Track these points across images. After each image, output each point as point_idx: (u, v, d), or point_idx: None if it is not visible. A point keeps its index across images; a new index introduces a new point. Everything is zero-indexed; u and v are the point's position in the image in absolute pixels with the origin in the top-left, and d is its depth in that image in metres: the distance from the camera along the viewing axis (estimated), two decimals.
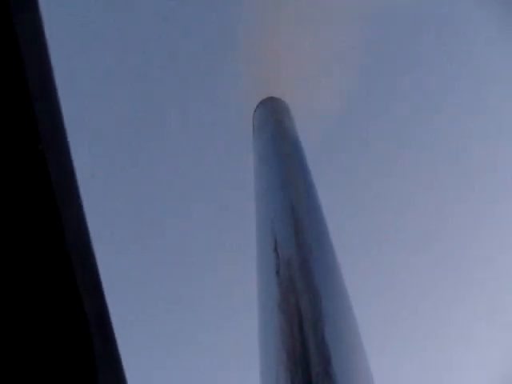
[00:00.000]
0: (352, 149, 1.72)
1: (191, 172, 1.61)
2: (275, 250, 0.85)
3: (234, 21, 1.49)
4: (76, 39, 1.40)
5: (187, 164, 1.62)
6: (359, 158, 1.71)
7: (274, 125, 1.28)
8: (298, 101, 1.49)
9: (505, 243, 1.71)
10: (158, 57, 1.53)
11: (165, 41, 1.52)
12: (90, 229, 0.43)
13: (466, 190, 1.74)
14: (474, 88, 1.68)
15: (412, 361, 1.81)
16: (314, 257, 0.84)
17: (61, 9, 1.32)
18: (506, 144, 1.69)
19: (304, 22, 1.56)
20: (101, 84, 1.49)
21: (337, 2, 1.53)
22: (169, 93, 1.53)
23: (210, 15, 1.52)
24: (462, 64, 1.68)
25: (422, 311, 1.80)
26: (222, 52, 1.52)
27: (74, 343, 0.37)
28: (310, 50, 1.58)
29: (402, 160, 1.73)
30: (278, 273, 0.80)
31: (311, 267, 0.81)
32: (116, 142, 1.57)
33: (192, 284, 1.65)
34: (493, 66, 1.62)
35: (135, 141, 1.58)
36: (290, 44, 1.55)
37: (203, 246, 1.62)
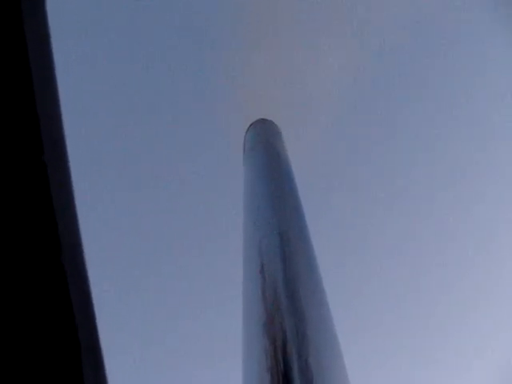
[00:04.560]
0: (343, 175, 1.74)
1: (181, 188, 1.62)
2: (262, 272, 0.85)
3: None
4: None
5: (177, 180, 1.62)
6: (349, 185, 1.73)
7: (265, 147, 1.29)
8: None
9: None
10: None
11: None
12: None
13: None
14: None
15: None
16: (299, 279, 0.85)
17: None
18: None
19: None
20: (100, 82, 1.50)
21: None
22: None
23: None
24: None
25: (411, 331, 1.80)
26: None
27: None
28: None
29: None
30: (263, 294, 0.81)
31: (297, 289, 0.82)
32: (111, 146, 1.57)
33: (177, 304, 1.65)
34: None
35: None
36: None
37: (189, 267, 1.62)
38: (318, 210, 1.65)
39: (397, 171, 1.78)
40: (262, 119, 1.47)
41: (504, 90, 1.64)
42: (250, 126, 1.45)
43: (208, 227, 1.62)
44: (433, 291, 1.83)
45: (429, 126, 1.73)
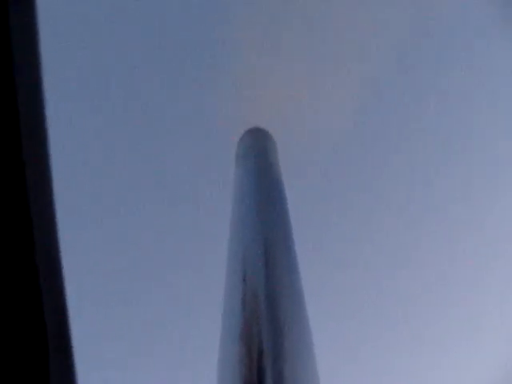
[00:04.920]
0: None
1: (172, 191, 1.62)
2: (244, 280, 0.86)
3: None
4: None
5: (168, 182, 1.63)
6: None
7: (257, 157, 1.31)
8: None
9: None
10: None
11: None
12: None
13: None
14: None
15: None
16: (281, 290, 0.86)
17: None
18: None
19: None
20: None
21: None
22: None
23: None
24: None
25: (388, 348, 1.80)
26: None
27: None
28: None
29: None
30: (243, 302, 0.81)
31: (277, 300, 0.83)
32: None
33: (159, 305, 1.65)
34: None
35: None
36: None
37: (174, 271, 1.63)
38: (308, 221, 1.66)
39: (399, 182, 1.78)
40: (257, 128, 1.48)
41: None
42: (244, 134, 1.46)
43: (194, 232, 1.62)
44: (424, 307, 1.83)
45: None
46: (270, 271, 0.88)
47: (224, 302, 0.88)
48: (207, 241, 1.57)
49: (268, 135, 1.49)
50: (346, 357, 1.70)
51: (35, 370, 0.35)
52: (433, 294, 1.77)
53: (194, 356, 1.58)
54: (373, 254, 1.77)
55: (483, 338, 1.73)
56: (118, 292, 1.63)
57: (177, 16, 1.49)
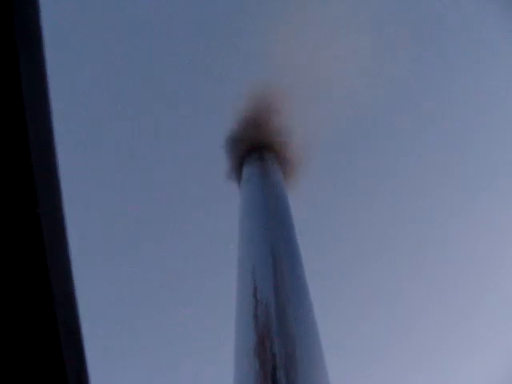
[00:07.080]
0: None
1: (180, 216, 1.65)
2: (254, 295, 0.89)
3: None
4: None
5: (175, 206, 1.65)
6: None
7: (262, 177, 1.33)
8: None
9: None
10: None
11: None
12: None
13: None
14: None
15: None
16: (290, 303, 0.88)
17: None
18: None
19: None
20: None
21: None
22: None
23: None
24: None
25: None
26: None
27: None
28: None
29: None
30: (255, 316, 0.84)
31: (287, 313, 0.85)
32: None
33: (175, 323, 1.66)
34: None
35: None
36: None
37: (187, 289, 1.64)
38: (313, 238, 1.68)
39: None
40: (260, 149, 1.51)
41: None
42: (248, 155, 1.49)
43: (204, 253, 1.65)
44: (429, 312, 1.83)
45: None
46: (279, 285, 0.90)
47: (236, 317, 0.91)
48: (217, 258, 1.59)
49: (271, 155, 1.52)
50: (358, 367, 1.70)
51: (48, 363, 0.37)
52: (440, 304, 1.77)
53: (210, 370, 1.59)
54: (379, 264, 1.78)
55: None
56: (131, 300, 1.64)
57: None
